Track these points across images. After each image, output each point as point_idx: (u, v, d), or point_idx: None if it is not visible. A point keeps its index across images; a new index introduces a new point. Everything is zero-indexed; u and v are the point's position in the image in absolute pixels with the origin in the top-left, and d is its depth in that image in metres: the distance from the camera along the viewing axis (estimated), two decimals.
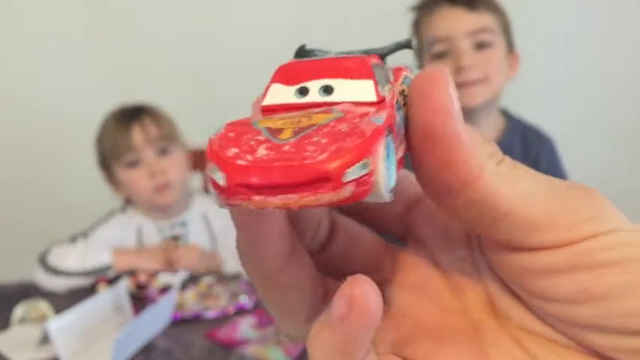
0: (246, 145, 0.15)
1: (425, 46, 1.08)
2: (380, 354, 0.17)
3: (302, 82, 0.18)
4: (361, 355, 0.15)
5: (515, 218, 0.16)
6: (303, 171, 0.14)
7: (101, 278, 1.16)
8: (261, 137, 0.16)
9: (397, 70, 0.20)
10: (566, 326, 0.16)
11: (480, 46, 1.05)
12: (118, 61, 1.74)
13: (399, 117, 0.17)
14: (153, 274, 1.16)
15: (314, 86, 0.18)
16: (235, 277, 1.18)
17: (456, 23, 1.05)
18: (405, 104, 0.18)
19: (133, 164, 1.22)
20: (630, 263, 0.15)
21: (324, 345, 0.15)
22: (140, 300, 1.07)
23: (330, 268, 0.20)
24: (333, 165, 0.14)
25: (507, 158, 0.17)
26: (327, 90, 0.18)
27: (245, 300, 1.06)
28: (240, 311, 1.04)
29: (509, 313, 0.18)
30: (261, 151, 0.15)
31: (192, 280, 1.16)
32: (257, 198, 0.14)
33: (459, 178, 0.16)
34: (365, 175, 0.14)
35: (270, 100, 0.18)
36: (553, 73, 1.78)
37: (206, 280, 1.14)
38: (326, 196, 0.14)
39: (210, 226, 1.33)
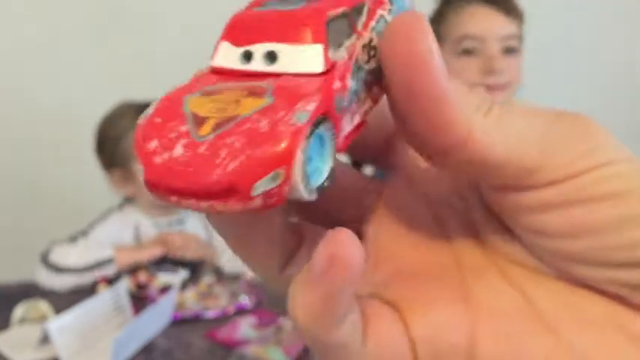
0: (166, 138, 0.15)
1: (447, 40, 1.07)
2: (361, 297, 0.16)
3: (247, 44, 0.17)
4: (343, 311, 0.14)
5: (509, 168, 0.15)
6: (211, 182, 0.14)
7: (101, 278, 1.16)
8: (183, 128, 0.15)
9: (376, 3, 0.18)
10: (558, 259, 0.16)
11: (508, 50, 1.05)
12: (120, 60, 1.74)
13: (354, 81, 0.16)
14: (153, 274, 1.16)
15: (258, 51, 0.16)
16: (235, 277, 1.18)
17: (491, 24, 1.05)
18: (373, 55, 0.17)
19: None
20: (624, 195, 0.14)
21: (305, 303, 0.14)
22: (140, 300, 1.07)
23: (309, 210, 0.20)
24: (241, 178, 0.13)
25: (495, 104, 0.15)
26: (271, 57, 0.16)
27: (245, 300, 1.06)
28: (240, 311, 1.04)
29: (495, 244, 0.17)
30: (178, 150, 0.14)
31: (192, 280, 1.16)
32: (173, 198, 0.14)
33: (448, 140, 0.15)
34: (276, 187, 0.14)
35: (218, 61, 0.17)
36: (553, 74, 1.78)
37: (206, 280, 1.14)
38: (236, 206, 0.14)
39: (207, 222, 1.33)
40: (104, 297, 0.97)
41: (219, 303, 1.05)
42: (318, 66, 0.15)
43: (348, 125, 0.16)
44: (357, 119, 0.17)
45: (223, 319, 1.01)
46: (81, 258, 1.17)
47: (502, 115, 0.15)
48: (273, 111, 0.14)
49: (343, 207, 0.20)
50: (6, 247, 1.67)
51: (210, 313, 1.03)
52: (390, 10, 0.18)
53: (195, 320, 1.02)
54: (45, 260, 1.17)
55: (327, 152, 0.15)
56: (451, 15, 1.08)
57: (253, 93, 0.15)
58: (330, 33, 0.16)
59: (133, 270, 1.17)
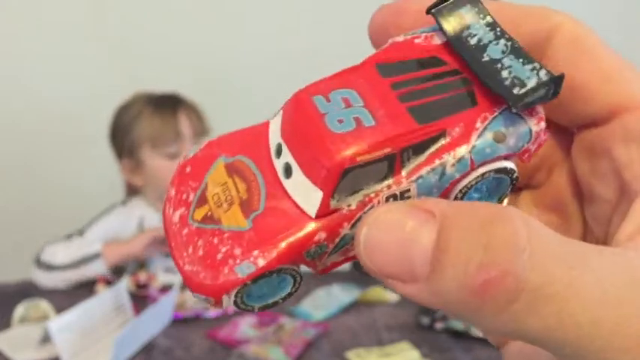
0: (180, 194, 0.18)
1: None
2: None
3: (285, 138, 0.16)
4: None
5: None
6: (179, 268, 0.17)
7: (101, 278, 1.16)
8: (191, 197, 0.17)
9: (459, 139, 0.15)
10: None
11: None
12: (122, 58, 1.74)
13: (355, 228, 0.15)
14: (153, 274, 1.16)
15: (284, 154, 0.16)
16: None
17: None
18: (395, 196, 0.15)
19: (173, 155, 1.18)
20: None
21: None
22: (141, 299, 1.07)
23: None
24: (188, 283, 0.16)
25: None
26: (287, 171, 0.16)
27: None
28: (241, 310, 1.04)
29: None
30: (176, 216, 0.17)
31: None
32: None
33: None
34: (208, 304, 0.16)
35: (271, 125, 0.18)
36: None
37: None
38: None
39: None
40: (105, 297, 0.97)
41: None
42: (311, 210, 0.15)
43: (336, 258, 0.16)
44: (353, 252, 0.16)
45: (224, 318, 1.01)
46: (68, 255, 1.16)
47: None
48: (239, 241, 0.16)
49: None
50: (6, 247, 1.67)
51: (211, 313, 1.03)
52: (460, 159, 0.15)
53: (195, 320, 1.02)
54: (37, 260, 1.17)
55: (283, 286, 0.16)
56: None
57: (247, 204, 0.16)
58: (345, 181, 0.15)
59: (119, 269, 1.17)
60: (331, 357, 0.90)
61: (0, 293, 1.12)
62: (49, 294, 1.11)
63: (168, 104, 1.22)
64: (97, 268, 1.16)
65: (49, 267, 1.16)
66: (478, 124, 0.15)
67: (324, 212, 0.15)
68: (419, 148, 0.15)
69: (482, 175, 0.16)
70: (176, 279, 1.15)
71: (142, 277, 1.13)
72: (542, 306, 0.12)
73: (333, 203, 0.15)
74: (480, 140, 0.15)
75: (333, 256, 0.16)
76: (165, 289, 1.10)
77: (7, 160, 1.73)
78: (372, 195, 0.15)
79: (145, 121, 1.19)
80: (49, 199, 1.75)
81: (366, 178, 0.15)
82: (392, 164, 0.15)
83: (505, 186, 0.17)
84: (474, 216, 0.13)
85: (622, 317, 0.12)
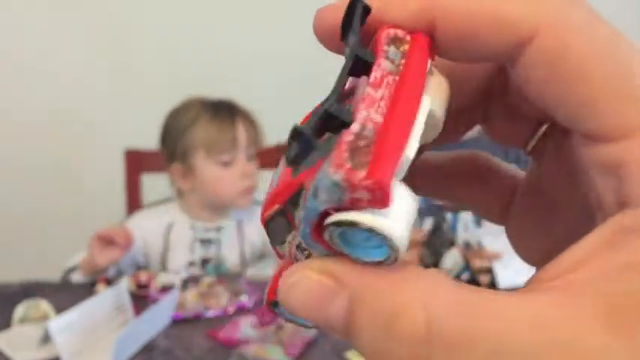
0: None
1: None
2: None
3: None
4: None
5: None
6: None
7: (100, 278, 1.16)
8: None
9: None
10: None
11: None
12: (126, 59, 1.74)
13: None
14: (153, 274, 1.16)
15: None
16: (236, 277, 1.18)
17: None
18: (308, 255, 0.16)
19: (227, 163, 1.17)
20: None
21: None
22: (141, 299, 1.07)
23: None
24: None
25: None
26: None
27: (245, 299, 1.06)
28: (241, 310, 1.04)
29: None
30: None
31: (192, 279, 1.16)
32: None
33: None
34: None
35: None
36: None
37: (207, 280, 1.14)
38: None
39: (242, 234, 1.29)
40: (105, 296, 0.97)
41: (220, 302, 1.06)
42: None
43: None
44: None
45: (224, 318, 1.01)
46: (67, 264, 1.18)
47: None
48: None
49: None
50: (6, 247, 1.67)
51: (211, 313, 1.03)
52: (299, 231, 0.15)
53: (195, 320, 1.02)
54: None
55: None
56: None
57: None
58: (269, 232, 0.17)
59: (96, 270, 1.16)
60: (331, 357, 0.90)
61: (0, 293, 1.12)
62: (49, 294, 1.11)
63: (226, 111, 1.19)
64: (78, 279, 1.16)
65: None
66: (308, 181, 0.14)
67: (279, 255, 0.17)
68: (294, 201, 0.15)
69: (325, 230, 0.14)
70: (176, 279, 1.15)
71: (142, 277, 1.13)
72: None
73: (278, 249, 0.17)
74: (307, 200, 0.14)
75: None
76: (166, 289, 1.10)
77: (6, 159, 1.73)
78: (289, 244, 0.17)
79: (202, 127, 1.16)
80: (49, 198, 1.75)
81: (280, 230, 0.16)
82: (286, 217, 0.16)
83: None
84: (379, 302, 0.14)
85: None
